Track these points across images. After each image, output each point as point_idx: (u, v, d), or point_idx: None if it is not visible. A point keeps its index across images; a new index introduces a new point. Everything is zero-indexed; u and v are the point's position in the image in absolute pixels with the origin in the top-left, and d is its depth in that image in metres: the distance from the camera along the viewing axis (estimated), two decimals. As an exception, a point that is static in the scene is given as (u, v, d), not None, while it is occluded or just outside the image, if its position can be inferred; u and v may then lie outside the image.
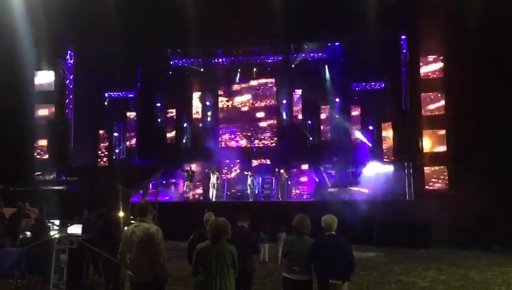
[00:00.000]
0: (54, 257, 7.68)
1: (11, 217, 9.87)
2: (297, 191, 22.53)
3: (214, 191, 20.17)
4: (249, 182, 20.37)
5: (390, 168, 20.52)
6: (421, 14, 18.63)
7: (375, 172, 20.46)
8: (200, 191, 22.83)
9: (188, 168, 20.73)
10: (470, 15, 16.00)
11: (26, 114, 19.32)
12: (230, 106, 25.21)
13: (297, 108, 24.55)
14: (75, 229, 8.64)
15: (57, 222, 8.74)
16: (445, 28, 18.15)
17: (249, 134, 24.71)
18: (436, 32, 18.74)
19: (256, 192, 20.74)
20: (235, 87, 25.11)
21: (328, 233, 5.62)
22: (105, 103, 24.99)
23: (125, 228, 6.08)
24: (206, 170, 20.93)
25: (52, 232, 8.49)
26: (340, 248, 5.51)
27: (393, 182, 19.45)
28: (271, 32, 20.11)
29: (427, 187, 19.28)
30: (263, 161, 23.79)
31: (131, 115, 25.41)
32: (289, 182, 21.45)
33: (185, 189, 20.39)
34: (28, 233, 8.90)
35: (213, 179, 20.22)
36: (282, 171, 20.94)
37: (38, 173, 16.50)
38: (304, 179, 22.77)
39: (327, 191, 20.54)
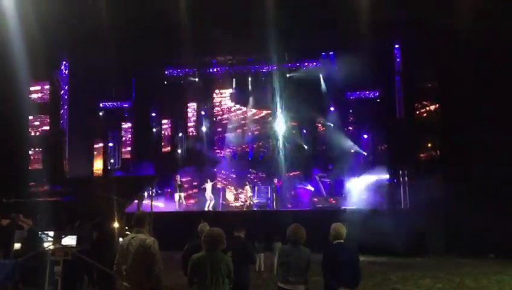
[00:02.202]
0: (48, 269, 7.64)
1: (3, 229, 9.79)
2: (293, 200, 22.45)
3: (211, 203, 20.16)
4: (248, 193, 20.36)
5: (385, 177, 20.56)
6: (414, 23, 18.76)
7: (370, 180, 20.50)
8: (195, 201, 22.70)
9: (176, 180, 20.66)
10: (464, 24, 16.11)
11: (20, 125, 19.23)
12: (225, 115, 25.23)
13: (292, 117, 24.58)
14: (70, 240, 8.60)
15: (51, 233, 8.69)
16: (439, 37, 18.27)
17: (244, 143, 24.72)
18: (430, 40, 18.87)
19: (252, 202, 20.72)
20: (230, 96, 25.14)
21: (337, 241, 5.63)
22: (100, 113, 24.96)
23: (121, 239, 6.05)
24: (207, 181, 20.78)
25: (46, 244, 8.44)
26: (349, 256, 5.53)
27: (388, 190, 19.47)
28: (265, 42, 20.20)
29: (422, 195, 19.26)
30: (258, 173, 23.73)
31: (126, 125, 25.37)
32: (285, 191, 21.45)
33: (176, 200, 20.33)
34: (17, 244, 8.80)
35: (209, 190, 20.20)
36: (277, 180, 20.92)
37: (33, 183, 16.44)
38: (299, 188, 22.71)
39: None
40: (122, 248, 5.18)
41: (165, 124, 25.46)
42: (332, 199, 20.44)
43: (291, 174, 23.08)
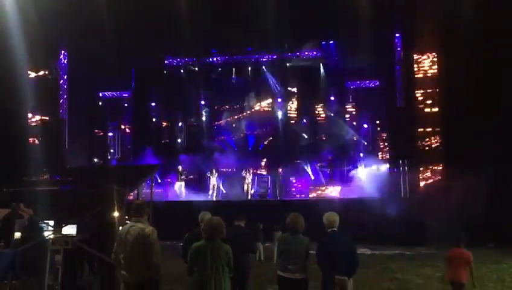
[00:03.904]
0: (49, 258, 7.65)
1: (4, 218, 9.80)
2: (293, 189, 22.47)
3: (214, 193, 20.20)
4: (246, 182, 20.40)
5: (385, 166, 20.57)
6: (416, 12, 18.64)
7: (371, 170, 20.52)
8: (196, 190, 22.68)
9: (178, 169, 20.64)
10: (465, 13, 16.04)
11: (19, 115, 19.19)
12: (225, 105, 25.18)
13: (293, 107, 24.55)
14: (70, 229, 8.60)
15: (51, 222, 8.69)
16: (440, 26, 18.17)
17: (244, 132, 24.69)
18: (431, 30, 18.74)
19: (252, 191, 20.74)
20: (230, 86, 25.05)
21: (330, 229, 5.65)
22: (100, 103, 24.91)
23: (120, 227, 6.05)
24: (208, 173, 20.79)
25: (46, 233, 8.45)
26: (344, 244, 5.56)
27: (388, 179, 19.49)
28: (266, 31, 20.09)
29: (422, 185, 19.30)
30: (259, 162, 23.68)
31: (126, 114, 25.32)
32: (285, 180, 21.48)
33: (177, 189, 20.34)
34: (17, 234, 8.82)
35: (213, 180, 20.25)
36: (279, 169, 20.95)
37: (32, 173, 16.42)
38: (299, 177, 22.70)
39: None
40: (121, 236, 5.17)
41: (164, 113, 25.40)
42: (332, 189, 20.45)
43: (291, 163, 23.04)
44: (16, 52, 16.43)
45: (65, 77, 21.95)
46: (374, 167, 20.74)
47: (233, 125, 24.91)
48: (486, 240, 14.72)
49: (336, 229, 5.65)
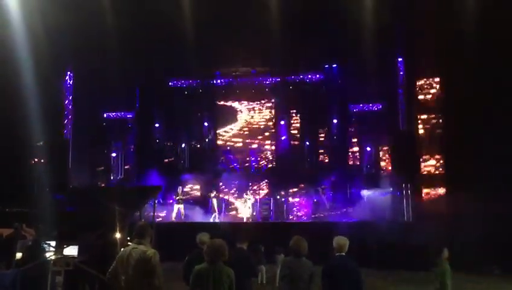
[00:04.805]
0: (50, 279, 7.62)
1: (6, 239, 9.78)
2: (296, 213, 22.39)
3: (216, 214, 20.12)
4: (248, 204, 20.37)
5: (388, 190, 20.50)
6: (418, 35, 18.84)
7: (373, 193, 20.44)
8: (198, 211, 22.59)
9: (178, 192, 20.55)
10: (467, 36, 16.20)
11: (24, 134, 19.27)
12: (228, 126, 25.25)
13: (295, 129, 24.62)
14: (72, 250, 8.58)
15: (52, 243, 8.68)
16: (442, 49, 18.33)
17: (247, 155, 24.69)
18: (433, 53, 18.92)
19: (254, 213, 20.66)
20: (233, 108, 25.17)
21: (338, 254, 5.64)
22: (104, 123, 25.04)
23: (122, 249, 6.04)
24: (210, 194, 20.79)
25: (47, 254, 8.43)
26: (350, 269, 5.54)
27: (391, 203, 19.41)
28: (269, 53, 20.30)
29: (425, 208, 19.20)
30: (261, 184, 23.63)
31: (130, 135, 25.41)
32: (288, 202, 21.44)
33: (175, 211, 20.19)
34: (19, 254, 8.78)
35: (215, 201, 20.20)
36: (281, 192, 20.89)
37: (36, 193, 16.42)
38: (302, 200, 22.63)
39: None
40: (122, 258, 5.15)
41: (168, 134, 25.47)
42: (334, 211, 20.36)
43: (294, 186, 23.00)
44: (22, 72, 16.61)
45: (70, 97, 22.14)
46: (377, 190, 20.66)
47: (236, 147, 24.92)
48: (492, 266, 14.56)
49: (344, 253, 5.65)
